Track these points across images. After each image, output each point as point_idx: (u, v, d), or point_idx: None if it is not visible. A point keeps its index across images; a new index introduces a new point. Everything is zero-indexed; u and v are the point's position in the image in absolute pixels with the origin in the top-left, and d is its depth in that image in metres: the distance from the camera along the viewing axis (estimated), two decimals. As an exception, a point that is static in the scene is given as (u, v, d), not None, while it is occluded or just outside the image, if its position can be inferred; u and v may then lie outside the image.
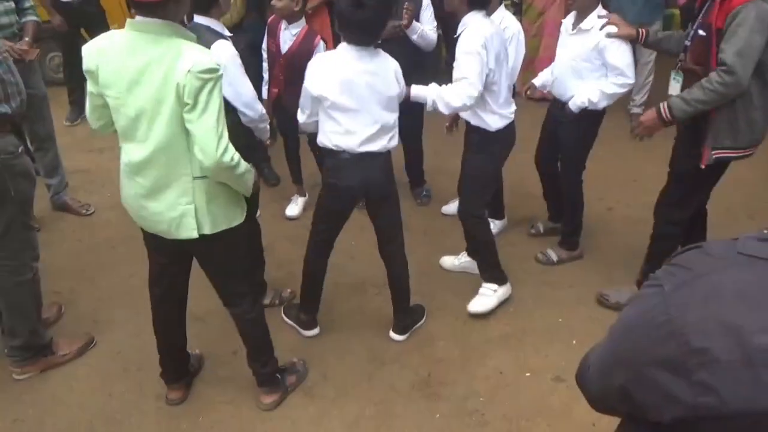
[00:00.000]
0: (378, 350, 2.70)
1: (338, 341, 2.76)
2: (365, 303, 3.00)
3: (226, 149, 1.80)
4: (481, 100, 2.59)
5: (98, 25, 4.51)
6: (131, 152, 1.90)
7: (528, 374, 2.56)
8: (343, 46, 2.31)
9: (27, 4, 3.40)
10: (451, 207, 3.60)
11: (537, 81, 3.25)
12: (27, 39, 3.32)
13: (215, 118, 1.77)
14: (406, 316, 2.78)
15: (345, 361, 2.64)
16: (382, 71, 2.34)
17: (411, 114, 3.22)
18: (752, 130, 2.36)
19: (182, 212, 1.92)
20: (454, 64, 2.53)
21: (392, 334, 2.77)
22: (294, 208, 3.78)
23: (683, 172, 2.62)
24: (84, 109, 4.89)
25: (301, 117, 2.46)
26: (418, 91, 2.61)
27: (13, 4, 3.27)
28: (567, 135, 3.07)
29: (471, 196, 2.84)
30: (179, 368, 2.42)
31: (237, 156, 1.85)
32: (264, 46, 3.43)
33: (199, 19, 2.30)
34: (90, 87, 1.90)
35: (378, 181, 2.46)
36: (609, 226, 3.64)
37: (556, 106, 3.13)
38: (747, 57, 2.16)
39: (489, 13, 2.73)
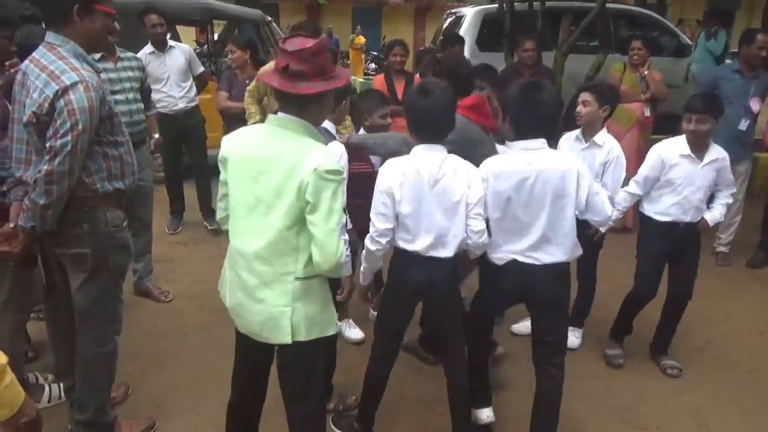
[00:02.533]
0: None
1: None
2: (429, 421, 2.82)
3: (342, 251, 1.79)
4: None
5: (198, 136, 4.96)
6: (242, 244, 1.88)
7: None
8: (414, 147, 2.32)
9: (150, 100, 3.87)
10: (522, 326, 3.47)
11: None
12: (156, 136, 3.89)
13: (336, 221, 1.77)
14: None
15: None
16: (450, 173, 2.25)
17: None
18: None
19: (279, 314, 1.85)
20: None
21: None
22: (356, 332, 3.51)
23: None
24: (182, 218, 4.88)
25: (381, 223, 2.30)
26: None
27: (142, 105, 3.69)
28: (693, 248, 3.22)
29: None
30: None
31: (347, 252, 1.87)
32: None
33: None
34: (221, 175, 1.94)
35: (439, 284, 2.37)
36: (700, 367, 3.35)
37: (680, 230, 3.14)
38: None
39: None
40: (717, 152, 3.11)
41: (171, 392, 2.95)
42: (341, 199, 1.80)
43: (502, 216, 2.34)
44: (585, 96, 3.14)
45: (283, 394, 2.06)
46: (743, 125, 4.41)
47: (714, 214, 3.18)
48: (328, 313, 1.96)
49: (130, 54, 3.69)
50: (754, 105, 4.46)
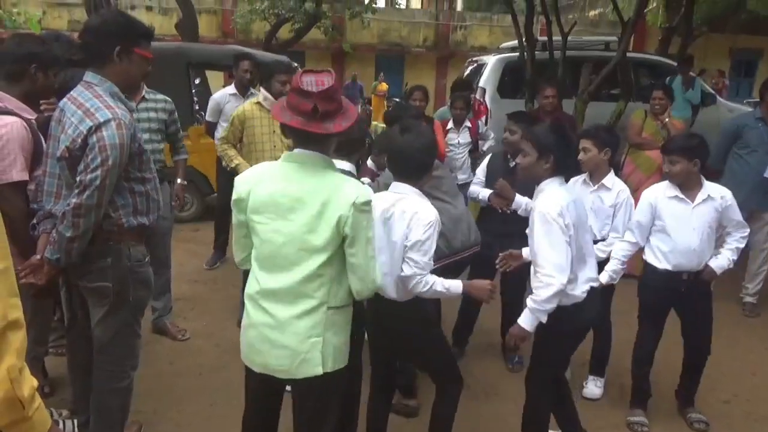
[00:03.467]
0: None
1: None
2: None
3: (380, 276, 1.91)
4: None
5: None
6: (270, 280, 1.88)
7: None
8: None
9: (179, 144, 3.88)
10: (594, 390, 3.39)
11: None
12: (180, 181, 3.88)
13: (373, 248, 1.86)
14: None
15: None
16: (397, 212, 2.23)
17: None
18: None
19: (311, 345, 1.85)
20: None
21: None
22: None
23: None
24: (224, 254, 4.97)
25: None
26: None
27: (161, 145, 3.71)
28: (703, 301, 3.05)
29: None
30: None
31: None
32: None
33: (338, 163, 2.29)
34: (236, 217, 1.95)
35: (386, 321, 2.39)
36: (728, 421, 3.22)
37: (682, 281, 2.99)
38: None
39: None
40: (713, 190, 2.96)
41: (184, 431, 2.92)
42: (373, 229, 1.88)
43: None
44: (584, 143, 3.14)
45: (300, 426, 2.03)
46: (767, 173, 4.36)
47: (720, 261, 2.96)
48: (348, 343, 1.99)
49: (160, 96, 3.77)
50: None
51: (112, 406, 2.38)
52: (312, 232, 1.81)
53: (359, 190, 1.83)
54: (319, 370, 1.86)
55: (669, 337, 3.17)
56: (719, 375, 3.63)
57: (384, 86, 16.68)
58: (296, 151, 1.88)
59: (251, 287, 1.95)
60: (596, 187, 3.17)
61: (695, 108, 7.57)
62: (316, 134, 1.80)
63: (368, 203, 1.83)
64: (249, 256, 1.99)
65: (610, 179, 3.18)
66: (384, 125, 11.60)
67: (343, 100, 1.91)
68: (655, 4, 14.28)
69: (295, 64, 5.72)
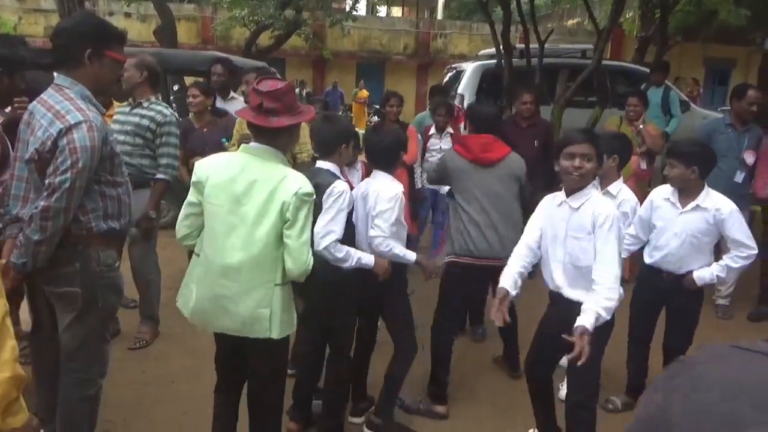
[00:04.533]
0: None
1: None
2: None
3: (310, 260, 2.12)
4: None
5: None
6: (224, 258, 2.13)
7: None
8: None
9: (163, 161, 3.58)
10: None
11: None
12: (149, 211, 3.54)
13: (308, 235, 2.11)
14: None
15: None
16: (371, 191, 2.75)
17: None
18: None
19: (259, 315, 2.14)
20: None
21: None
22: None
23: None
24: None
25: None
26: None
27: (142, 151, 3.58)
28: (686, 304, 3.06)
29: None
30: None
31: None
32: None
33: (320, 163, 2.69)
34: (191, 197, 2.21)
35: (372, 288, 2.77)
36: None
37: (663, 279, 3.07)
38: None
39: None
40: (709, 201, 2.94)
41: (155, 440, 2.87)
42: (311, 217, 2.14)
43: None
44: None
45: (252, 382, 2.40)
46: (738, 177, 4.44)
47: (702, 273, 2.95)
48: (292, 314, 2.27)
49: (157, 107, 3.60)
50: (749, 157, 4.50)
51: (79, 416, 2.32)
52: (261, 216, 2.07)
53: (302, 182, 2.10)
54: (267, 334, 2.15)
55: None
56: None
57: (364, 93, 16.71)
58: (252, 144, 2.17)
59: (200, 264, 2.22)
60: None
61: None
62: (263, 128, 2.11)
63: (309, 194, 2.10)
64: (193, 233, 2.25)
65: (616, 186, 3.21)
66: (364, 132, 11.65)
67: (301, 106, 2.24)
68: (631, 14, 14.54)
69: (274, 71, 5.71)
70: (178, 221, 2.27)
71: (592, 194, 2.42)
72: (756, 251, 2.91)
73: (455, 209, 3.29)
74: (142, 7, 14.15)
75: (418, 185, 4.75)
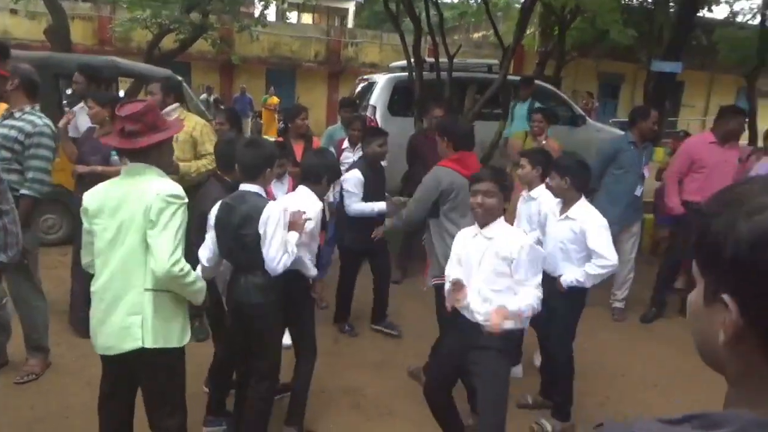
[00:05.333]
0: None
1: None
2: None
3: (177, 261, 2.11)
4: None
5: None
6: (104, 270, 2.20)
7: None
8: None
9: (29, 175, 3.27)
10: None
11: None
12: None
13: (172, 234, 2.11)
14: None
15: None
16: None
17: None
18: None
19: (130, 323, 2.15)
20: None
21: None
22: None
23: None
24: None
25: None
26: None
27: (15, 166, 3.25)
28: (560, 306, 3.16)
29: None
30: None
31: (187, 267, 2.15)
32: None
33: (245, 186, 2.71)
34: (84, 224, 2.27)
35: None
36: (602, 424, 3.43)
37: (548, 279, 3.18)
38: None
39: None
40: (578, 212, 3.14)
41: (46, 485, 2.61)
42: (180, 219, 2.15)
43: None
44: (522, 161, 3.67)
45: (146, 406, 2.37)
46: (638, 191, 4.78)
47: (567, 276, 3.15)
48: (178, 324, 2.26)
49: (29, 117, 3.33)
50: (647, 172, 4.88)
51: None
52: (130, 222, 2.14)
53: (165, 185, 2.17)
54: (138, 344, 2.14)
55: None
56: (594, 378, 3.88)
57: (275, 100, 16.40)
58: (129, 164, 2.26)
59: (94, 283, 2.26)
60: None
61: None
62: (130, 150, 2.19)
63: (173, 196, 2.14)
64: (94, 260, 2.29)
65: (538, 191, 3.64)
66: (274, 139, 11.48)
67: (167, 122, 2.34)
68: (531, 30, 15.34)
69: (180, 79, 5.46)
70: (81, 249, 2.33)
71: (503, 226, 2.66)
72: (614, 264, 3.09)
73: (440, 232, 3.36)
74: (30, 4, 13.07)
75: (330, 199, 4.72)
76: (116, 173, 3.69)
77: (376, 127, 4.39)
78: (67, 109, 6.12)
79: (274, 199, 3.51)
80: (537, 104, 6.78)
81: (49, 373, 3.57)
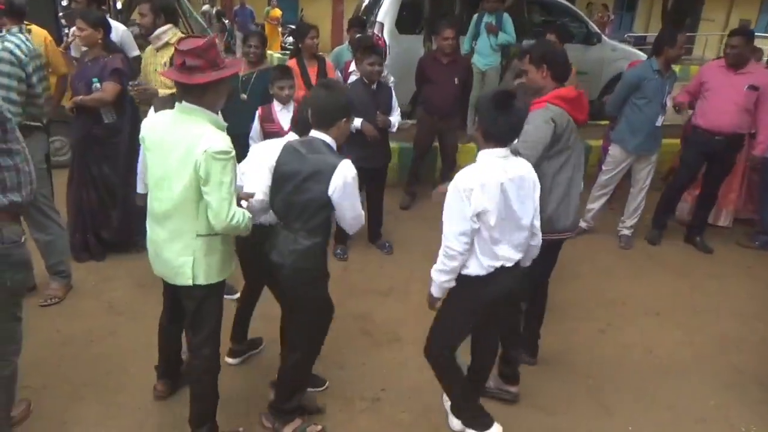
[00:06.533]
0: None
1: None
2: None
3: (234, 215, 2.16)
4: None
5: None
6: (154, 204, 2.30)
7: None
8: None
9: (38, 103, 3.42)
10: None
11: None
12: None
13: (227, 190, 2.14)
14: None
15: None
16: None
17: None
18: None
19: (182, 262, 2.27)
20: None
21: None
22: None
23: None
24: None
25: None
26: None
27: (16, 97, 3.27)
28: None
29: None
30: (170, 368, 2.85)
31: (240, 215, 2.19)
32: (255, 133, 3.69)
33: (316, 133, 2.39)
34: (142, 151, 2.49)
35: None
36: (601, 350, 3.57)
37: None
38: None
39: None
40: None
41: (77, 405, 2.80)
42: (231, 173, 2.16)
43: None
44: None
45: (185, 330, 2.57)
46: (659, 121, 4.64)
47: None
48: (220, 261, 2.36)
49: (18, 36, 3.30)
50: (669, 102, 4.73)
51: (-6, 398, 2.23)
52: (181, 170, 2.15)
53: (213, 141, 2.11)
54: (189, 282, 2.29)
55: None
56: (595, 305, 4.00)
57: (277, 12, 15.73)
58: (183, 102, 2.19)
59: (149, 211, 2.37)
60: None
61: (506, 49, 6.53)
62: (187, 85, 2.12)
63: (221, 152, 2.10)
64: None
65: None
66: (279, 55, 11.08)
67: (226, 60, 2.25)
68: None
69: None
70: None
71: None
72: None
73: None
74: None
75: None
76: (98, 101, 3.81)
77: (369, 45, 4.18)
78: (63, 22, 5.97)
79: (283, 130, 3.48)
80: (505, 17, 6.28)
81: (71, 296, 3.71)
